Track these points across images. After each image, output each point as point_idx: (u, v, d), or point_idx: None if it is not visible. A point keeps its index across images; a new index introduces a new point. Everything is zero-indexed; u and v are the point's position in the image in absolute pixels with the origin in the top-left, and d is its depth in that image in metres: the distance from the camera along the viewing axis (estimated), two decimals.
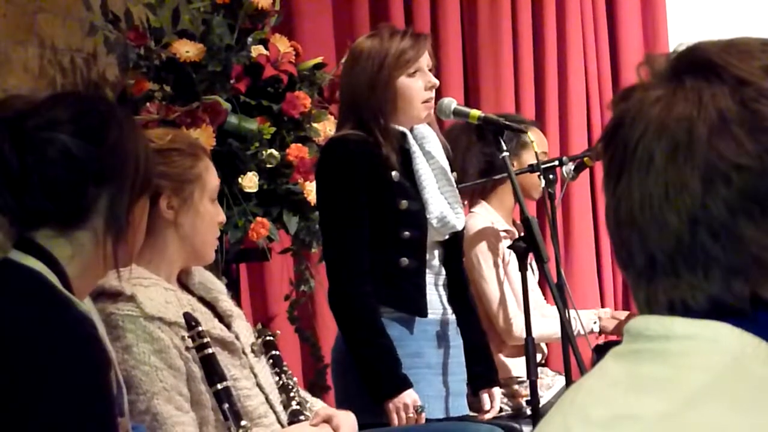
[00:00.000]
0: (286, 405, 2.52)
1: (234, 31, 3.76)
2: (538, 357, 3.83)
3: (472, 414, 3.26)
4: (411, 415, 2.94)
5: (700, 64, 0.97)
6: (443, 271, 3.16)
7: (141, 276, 2.38)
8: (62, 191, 1.89)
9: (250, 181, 3.65)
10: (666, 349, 0.96)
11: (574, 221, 5.03)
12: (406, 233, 3.03)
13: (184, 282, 2.55)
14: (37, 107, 1.91)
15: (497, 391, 3.29)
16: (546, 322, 3.85)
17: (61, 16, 3.66)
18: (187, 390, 2.33)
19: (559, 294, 3.14)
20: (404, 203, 3.03)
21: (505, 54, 4.98)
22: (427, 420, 2.98)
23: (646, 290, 0.99)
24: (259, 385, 2.49)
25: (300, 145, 3.73)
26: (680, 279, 0.96)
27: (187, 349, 2.34)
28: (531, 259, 3.23)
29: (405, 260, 3.04)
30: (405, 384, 2.96)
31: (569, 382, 3.45)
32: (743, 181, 0.93)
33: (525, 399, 3.71)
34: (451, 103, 3.19)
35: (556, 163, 3.72)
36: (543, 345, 3.99)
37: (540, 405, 3.22)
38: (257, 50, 3.75)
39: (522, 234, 3.17)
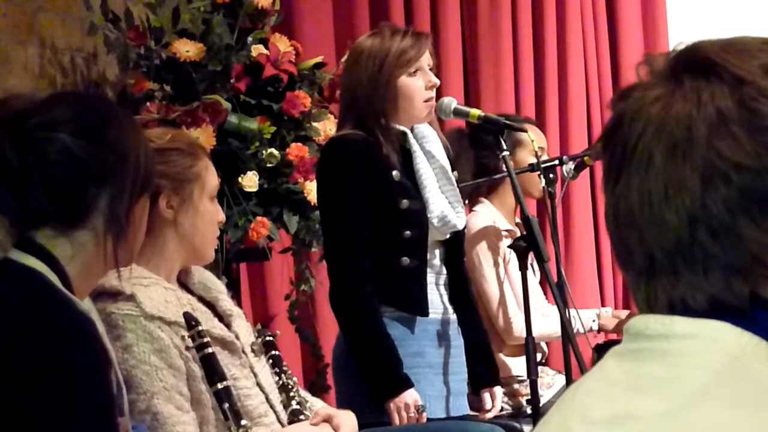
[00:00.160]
0: (286, 404, 2.52)
1: (234, 30, 3.76)
2: (539, 356, 3.83)
3: (472, 413, 3.26)
4: (412, 414, 2.94)
5: (699, 63, 0.97)
6: (444, 271, 3.16)
7: (141, 275, 2.38)
8: (63, 191, 1.89)
9: (250, 181, 3.65)
10: (666, 348, 0.96)
11: (574, 220, 5.03)
12: (407, 233, 3.03)
13: (183, 281, 2.55)
14: (38, 107, 1.91)
15: (499, 390, 3.29)
16: (546, 321, 3.85)
17: (61, 16, 3.66)
18: (188, 389, 2.33)
19: (559, 293, 3.14)
20: (405, 203, 3.03)
21: (505, 54, 4.98)
22: (427, 420, 2.98)
23: (645, 289, 0.99)
24: (259, 385, 2.49)
25: (300, 144, 3.73)
26: (680, 278, 0.96)
27: (187, 348, 2.34)
28: (533, 259, 3.23)
29: (406, 260, 3.04)
30: (406, 384, 2.96)
31: (569, 381, 3.45)
32: (742, 180, 0.93)
33: (525, 398, 3.71)
34: (452, 102, 3.19)
35: (557, 162, 3.72)
36: (543, 344, 4.00)
37: (540, 404, 3.22)
38: (257, 50, 3.75)
39: (522, 233, 3.17)
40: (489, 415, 3.24)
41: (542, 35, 5.06)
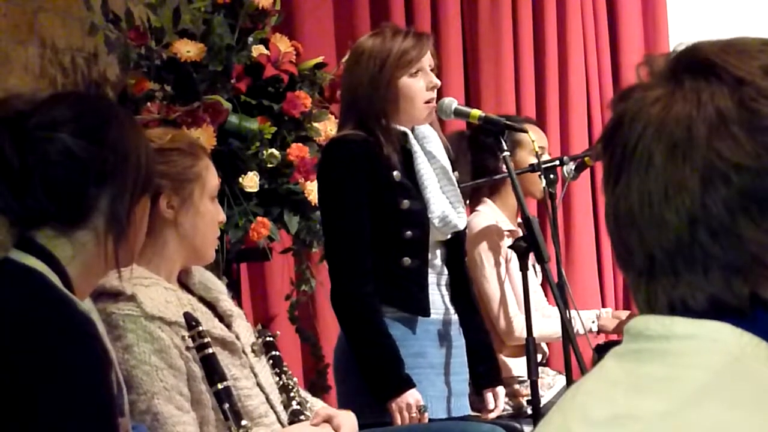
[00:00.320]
0: (286, 405, 2.52)
1: (235, 30, 3.76)
2: (539, 357, 3.83)
3: (474, 414, 3.26)
4: (414, 415, 2.94)
5: (699, 64, 0.97)
6: (446, 271, 3.16)
7: (141, 276, 2.38)
8: (63, 191, 1.89)
9: (250, 181, 3.65)
10: (666, 348, 0.96)
11: (574, 221, 5.03)
12: (408, 233, 3.03)
13: (184, 281, 2.55)
14: (38, 107, 1.91)
15: (501, 390, 3.28)
16: (547, 322, 3.85)
17: (61, 16, 3.66)
18: (188, 390, 2.33)
19: (559, 294, 3.14)
20: (406, 203, 3.03)
21: (506, 53, 4.98)
22: (429, 420, 2.98)
23: (645, 290, 0.99)
24: (259, 385, 2.49)
25: (301, 144, 3.73)
26: (680, 278, 0.96)
27: (188, 348, 2.34)
28: (534, 260, 3.23)
29: (407, 260, 3.04)
30: (408, 384, 2.96)
31: (570, 381, 3.45)
32: (742, 181, 0.93)
33: (526, 398, 3.71)
34: (452, 103, 3.19)
35: (557, 162, 3.72)
36: (544, 345, 4.00)
37: (541, 404, 3.22)
38: (258, 50, 3.75)
39: (523, 233, 3.17)
40: (492, 415, 3.24)
41: (543, 35, 5.06)
